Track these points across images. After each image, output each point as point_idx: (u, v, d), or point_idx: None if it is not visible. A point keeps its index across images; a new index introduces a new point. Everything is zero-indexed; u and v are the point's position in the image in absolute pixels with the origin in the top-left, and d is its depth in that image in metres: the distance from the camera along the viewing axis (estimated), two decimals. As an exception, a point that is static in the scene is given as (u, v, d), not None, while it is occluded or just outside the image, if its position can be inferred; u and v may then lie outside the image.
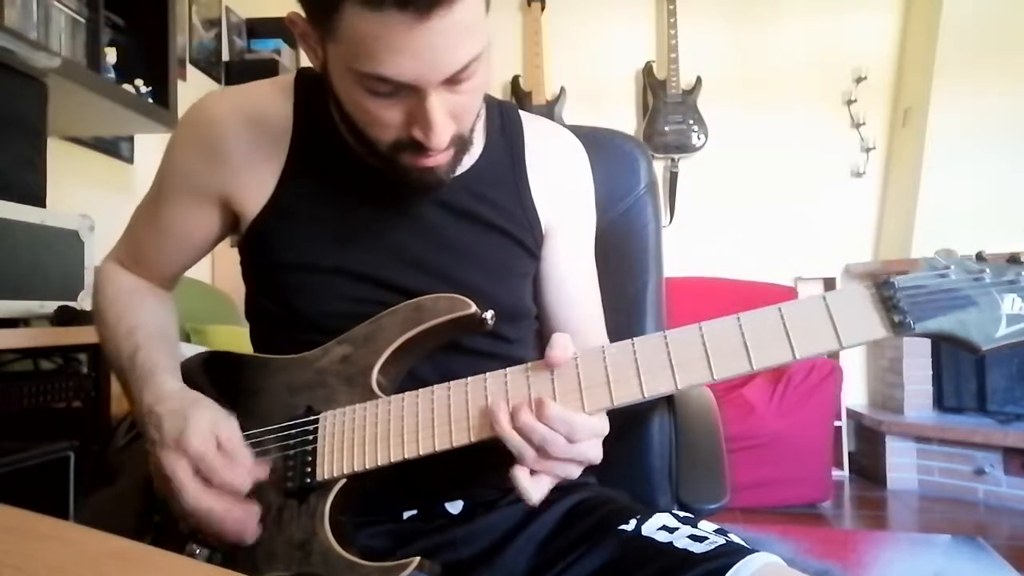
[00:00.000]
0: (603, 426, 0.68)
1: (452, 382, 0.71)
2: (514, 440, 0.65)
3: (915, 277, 0.62)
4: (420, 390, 0.71)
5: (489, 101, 0.87)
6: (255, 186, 0.81)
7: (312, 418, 0.74)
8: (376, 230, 0.80)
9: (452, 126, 0.69)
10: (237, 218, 0.84)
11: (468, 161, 0.82)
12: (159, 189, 0.88)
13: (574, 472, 0.67)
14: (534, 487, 0.66)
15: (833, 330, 0.62)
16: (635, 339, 0.68)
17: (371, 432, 0.71)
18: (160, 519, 0.76)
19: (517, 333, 0.86)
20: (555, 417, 0.65)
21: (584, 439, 0.66)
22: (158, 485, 0.73)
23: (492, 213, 0.83)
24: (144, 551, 0.50)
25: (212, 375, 0.83)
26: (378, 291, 0.79)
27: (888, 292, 0.62)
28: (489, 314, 0.74)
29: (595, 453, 0.67)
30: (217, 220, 0.86)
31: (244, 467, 0.70)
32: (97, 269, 0.94)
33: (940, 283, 0.62)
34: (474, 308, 0.73)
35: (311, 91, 0.81)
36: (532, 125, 0.89)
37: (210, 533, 0.70)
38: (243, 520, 0.70)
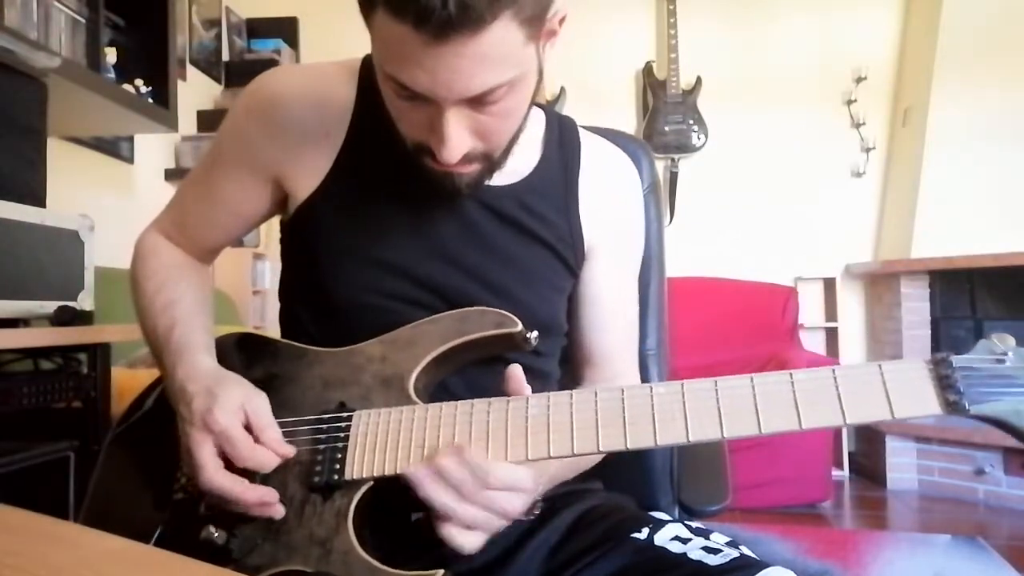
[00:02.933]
0: (525, 479, 0.66)
1: (494, 399, 0.70)
2: (432, 485, 0.65)
3: (972, 358, 0.63)
4: (458, 403, 0.70)
5: (550, 115, 0.88)
6: (308, 168, 0.81)
7: (345, 415, 0.73)
8: (420, 224, 0.80)
9: (470, 143, 0.69)
10: (286, 197, 0.84)
11: (521, 171, 0.83)
12: (214, 157, 0.88)
13: (495, 523, 0.66)
14: (466, 538, 0.65)
15: (887, 401, 0.62)
16: (684, 382, 0.66)
17: (405, 438, 0.70)
18: (181, 499, 0.76)
19: (547, 347, 0.85)
20: (471, 461, 0.64)
21: (500, 488, 0.64)
22: (184, 461, 0.73)
23: (537, 224, 0.82)
24: (144, 551, 0.50)
25: (245, 357, 0.82)
26: (413, 287, 0.79)
27: (945, 371, 0.62)
28: (533, 335, 0.74)
29: (511, 505, 0.65)
30: (267, 196, 0.86)
31: (269, 446, 0.70)
32: (138, 238, 0.93)
33: (996, 368, 0.62)
34: (520, 326, 0.73)
35: (375, 77, 0.79)
36: (590, 144, 0.89)
37: (229, 512, 0.70)
38: (259, 500, 0.69)
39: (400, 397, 0.73)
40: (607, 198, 0.87)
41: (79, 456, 1.54)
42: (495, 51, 0.62)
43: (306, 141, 0.81)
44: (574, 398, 0.68)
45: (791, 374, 0.64)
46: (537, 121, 0.86)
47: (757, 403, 0.63)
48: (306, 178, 0.82)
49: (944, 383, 0.61)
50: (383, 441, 0.70)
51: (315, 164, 0.81)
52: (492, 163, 0.74)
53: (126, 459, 0.84)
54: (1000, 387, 0.61)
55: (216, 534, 0.70)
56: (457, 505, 0.64)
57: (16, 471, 1.39)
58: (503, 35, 0.61)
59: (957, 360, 0.62)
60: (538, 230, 0.82)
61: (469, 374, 0.79)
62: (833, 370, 0.63)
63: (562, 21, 0.70)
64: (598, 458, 0.86)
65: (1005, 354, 0.62)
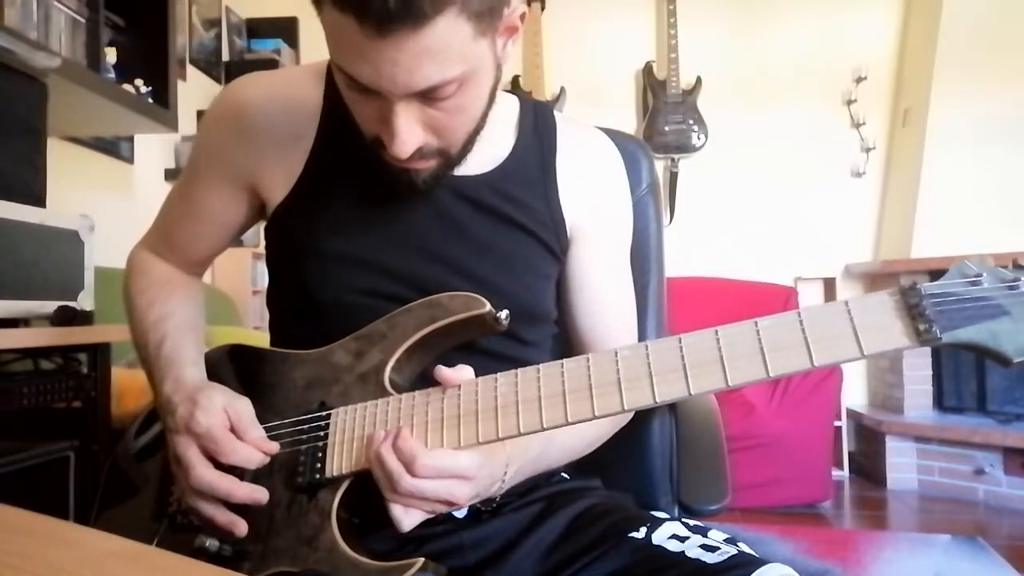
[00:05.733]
0: (468, 465, 0.67)
1: (463, 381, 0.70)
2: (373, 465, 0.67)
3: (944, 284, 0.59)
4: (431, 389, 0.71)
5: (524, 101, 0.87)
6: (281, 171, 0.82)
7: (324, 413, 0.74)
8: (397, 220, 0.80)
9: (423, 138, 0.68)
10: (264, 204, 0.85)
11: (497, 158, 0.82)
12: (191, 170, 0.88)
13: (432, 507, 0.67)
14: (404, 516, 0.66)
15: (855, 338, 0.59)
16: (682, 336, 0.65)
17: (380, 430, 0.70)
18: (175, 510, 0.77)
19: (534, 335, 0.85)
20: (403, 448, 0.66)
21: (428, 476, 0.65)
22: (173, 470, 0.74)
23: (516, 211, 0.81)
24: (144, 551, 0.50)
25: (234, 368, 0.84)
26: (393, 283, 0.79)
27: (914, 299, 0.58)
28: (504, 314, 0.73)
29: (448, 492, 0.66)
30: (245, 204, 0.86)
31: (250, 442, 0.72)
32: (129, 255, 0.94)
33: (970, 291, 0.58)
34: (488, 307, 0.72)
35: None
36: (567, 127, 0.88)
37: (218, 518, 0.71)
38: (250, 495, 0.70)
39: (376, 391, 0.74)
40: (587, 179, 0.86)
41: (79, 456, 1.54)
42: (440, 46, 0.61)
43: (277, 145, 0.82)
44: (541, 371, 0.68)
45: (756, 322, 0.62)
46: (510, 107, 0.86)
47: (723, 355, 0.62)
48: (280, 182, 0.82)
49: (914, 312, 0.58)
50: (360, 435, 0.71)
51: (287, 168, 0.82)
52: (450, 159, 0.73)
53: (126, 474, 0.86)
54: (975, 310, 0.57)
55: (208, 542, 0.71)
56: (389, 489, 0.66)
57: (16, 471, 1.39)
58: (449, 29, 0.61)
59: (927, 287, 0.58)
60: (517, 216, 0.81)
61: (449, 360, 0.77)
62: (799, 313, 0.61)
63: (523, 17, 0.69)
64: (596, 442, 0.85)
65: (979, 275, 0.58)
